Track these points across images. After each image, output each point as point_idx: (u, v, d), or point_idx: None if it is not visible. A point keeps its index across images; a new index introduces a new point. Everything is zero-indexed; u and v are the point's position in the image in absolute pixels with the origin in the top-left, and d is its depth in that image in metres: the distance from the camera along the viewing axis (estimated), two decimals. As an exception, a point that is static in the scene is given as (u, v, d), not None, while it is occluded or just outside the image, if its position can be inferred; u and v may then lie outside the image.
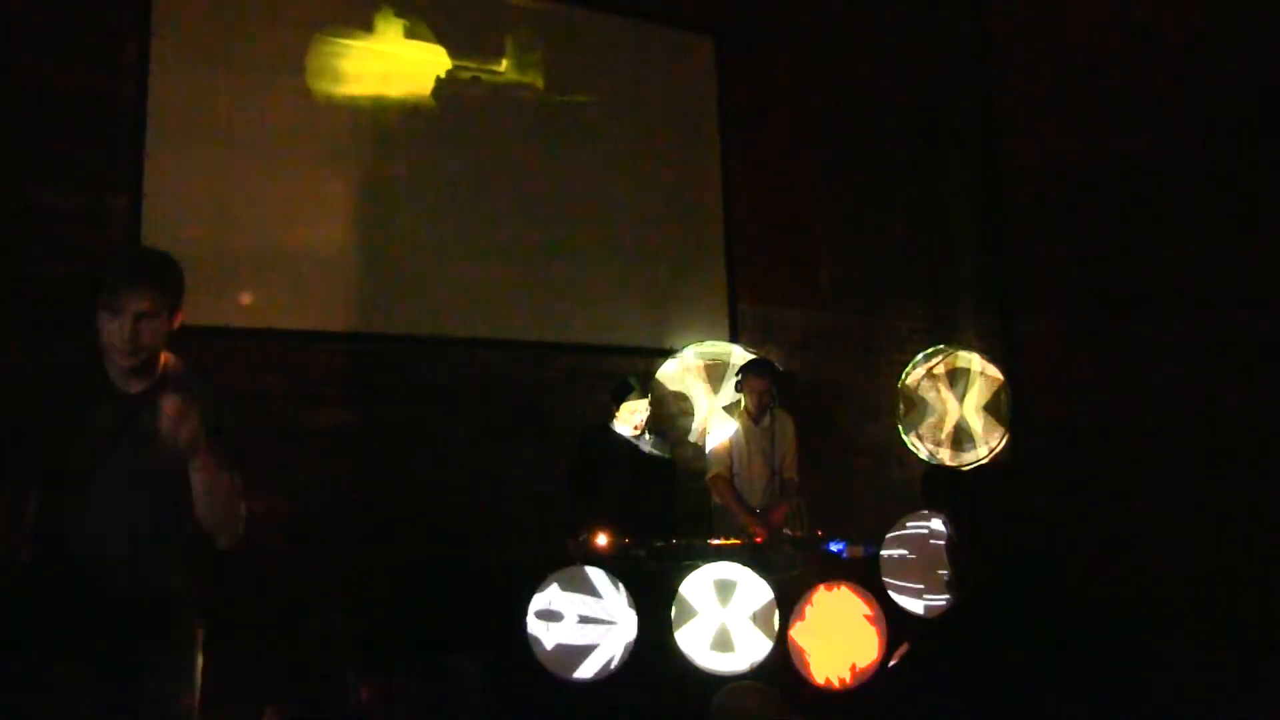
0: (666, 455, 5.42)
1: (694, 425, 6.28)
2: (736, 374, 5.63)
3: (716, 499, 5.51)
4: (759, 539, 4.78)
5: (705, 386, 6.35)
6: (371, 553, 5.35)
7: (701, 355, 6.39)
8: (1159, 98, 5.53)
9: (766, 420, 5.43)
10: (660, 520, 4.93)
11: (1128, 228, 5.66)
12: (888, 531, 4.32)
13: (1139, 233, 5.60)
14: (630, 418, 5.20)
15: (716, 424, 5.53)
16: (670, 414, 6.17)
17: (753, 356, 6.07)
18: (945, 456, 6.45)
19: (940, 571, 4.01)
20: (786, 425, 5.50)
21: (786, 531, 4.92)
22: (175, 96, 5.14)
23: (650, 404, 5.35)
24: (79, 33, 4.97)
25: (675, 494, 5.47)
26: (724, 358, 6.40)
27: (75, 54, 4.95)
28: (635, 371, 5.68)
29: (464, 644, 4.64)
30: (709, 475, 5.44)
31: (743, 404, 5.48)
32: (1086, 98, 5.93)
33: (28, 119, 4.84)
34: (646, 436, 5.31)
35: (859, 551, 4.42)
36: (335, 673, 4.87)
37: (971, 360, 6.49)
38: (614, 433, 5.27)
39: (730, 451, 5.41)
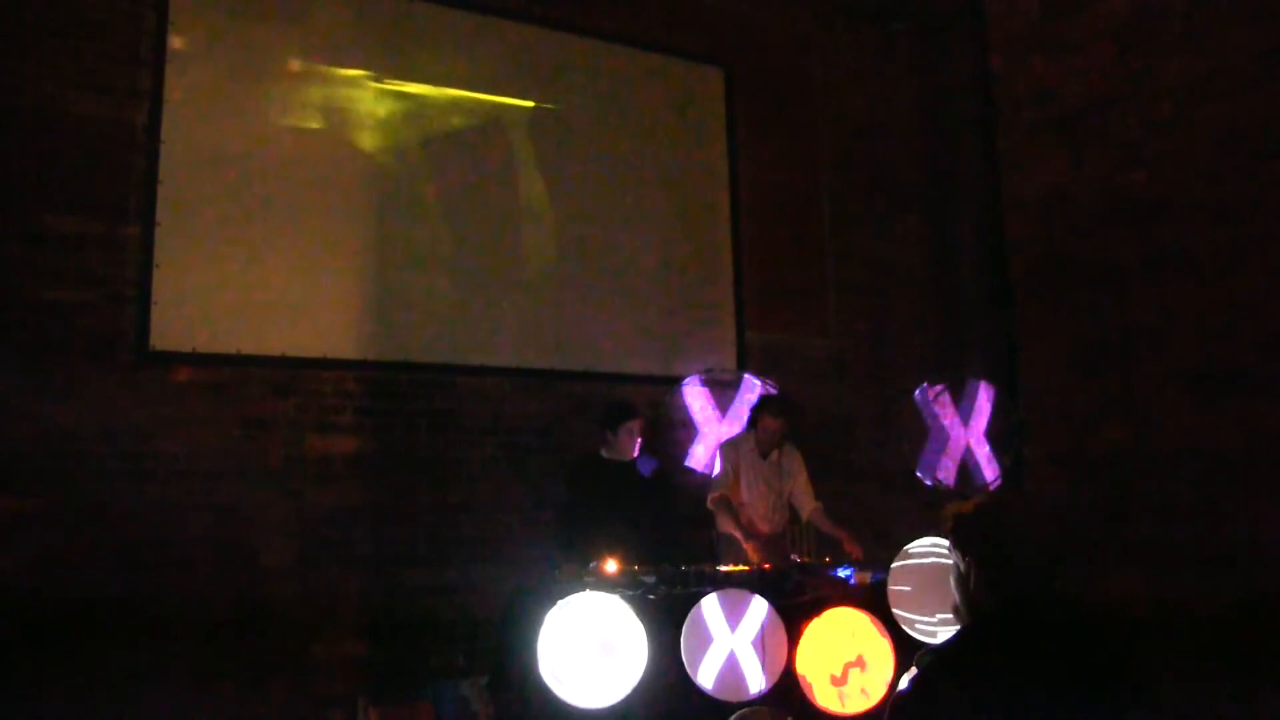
0: (661, 478, 5.34)
1: (698, 453, 6.27)
2: (751, 407, 5.56)
3: (719, 525, 5.37)
4: (766, 565, 4.78)
5: (713, 415, 6.36)
6: (380, 577, 5.37)
7: (709, 383, 6.41)
8: (1159, 133, 5.60)
9: (775, 455, 5.39)
10: (662, 545, 4.90)
11: (1129, 259, 5.70)
12: (895, 558, 4.33)
13: (1140, 264, 5.64)
14: (627, 440, 5.13)
15: (723, 455, 5.47)
16: (674, 441, 6.18)
17: (768, 392, 6.06)
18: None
19: (947, 598, 4.01)
20: (794, 459, 5.42)
21: (794, 558, 4.90)
22: (189, 125, 5.23)
23: (644, 427, 5.24)
24: (95, 61, 5.07)
25: (674, 517, 5.43)
26: (734, 388, 6.42)
27: (91, 82, 5.04)
28: (627, 398, 5.59)
29: (472, 670, 4.65)
30: (711, 497, 5.32)
31: (753, 438, 5.42)
32: (1089, 133, 5.99)
33: (43, 146, 4.92)
34: (639, 460, 5.18)
35: (867, 578, 4.41)
36: (344, 696, 4.90)
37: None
38: (606, 460, 5.16)
39: (734, 479, 5.36)
